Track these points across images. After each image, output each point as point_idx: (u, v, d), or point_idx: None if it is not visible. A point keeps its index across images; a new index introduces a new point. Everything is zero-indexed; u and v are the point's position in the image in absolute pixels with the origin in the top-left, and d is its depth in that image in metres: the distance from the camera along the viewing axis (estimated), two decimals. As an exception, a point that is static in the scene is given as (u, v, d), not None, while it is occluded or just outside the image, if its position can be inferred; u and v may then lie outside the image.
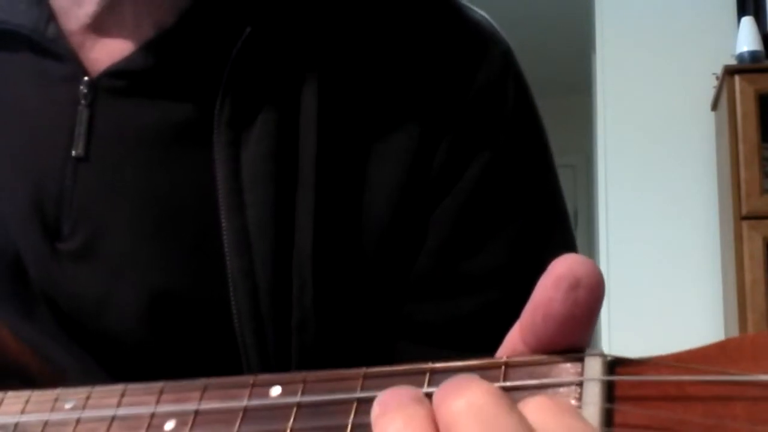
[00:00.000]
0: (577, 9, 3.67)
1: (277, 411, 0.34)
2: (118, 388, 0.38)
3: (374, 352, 0.57)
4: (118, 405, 0.38)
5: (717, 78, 2.78)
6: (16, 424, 0.39)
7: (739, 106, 2.60)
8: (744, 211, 2.55)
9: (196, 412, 0.36)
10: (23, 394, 0.41)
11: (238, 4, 0.59)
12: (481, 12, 0.65)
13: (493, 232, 0.59)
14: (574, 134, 4.34)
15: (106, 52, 0.59)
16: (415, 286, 0.58)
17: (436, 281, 0.58)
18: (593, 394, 0.29)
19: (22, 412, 0.40)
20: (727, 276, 2.67)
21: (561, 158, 0.64)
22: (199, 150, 0.56)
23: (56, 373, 0.54)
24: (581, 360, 0.30)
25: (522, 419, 0.27)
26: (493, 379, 0.31)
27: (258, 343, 0.54)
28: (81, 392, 0.39)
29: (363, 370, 0.34)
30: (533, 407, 0.28)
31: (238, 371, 0.54)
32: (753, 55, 2.74)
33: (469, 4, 0.65)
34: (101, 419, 0.38)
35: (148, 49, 0.58)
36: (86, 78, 0.58)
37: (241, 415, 0.35)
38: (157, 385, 0.37)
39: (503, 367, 0.31)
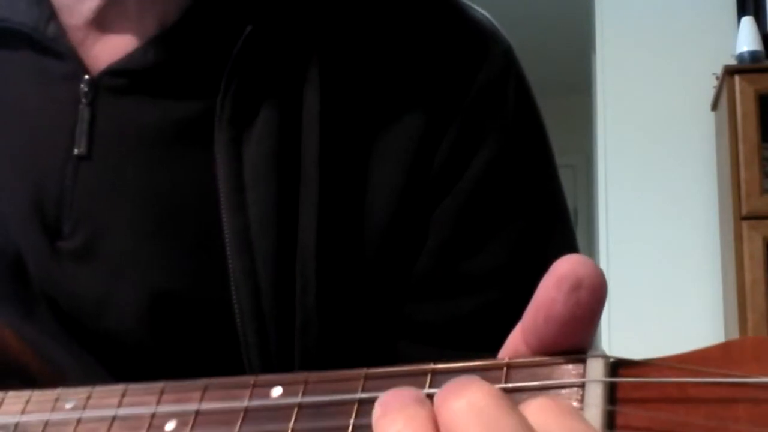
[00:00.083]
0: (577, 9, 3.67)
1: (278, 411, 0.34)
2: (119, 388, 0.38)
3: (376, 351, 0.57)
4: (119, 405, 0.38)
5: (717, 78, 2.78)
6: (17, 424, 0.39)
7: (739, 106, 2.60)
8: (744, 211, 2.55)
9: (197, 413, 0.36)
10: (24, 394, 0.41)
11: (240, 1, 0.59)
12: (482, 11, 0.65)
13: (494, 231, 0.59)
14: (574, 134, 4.34)
15: (108, 49, 0.59)
16: (416, 286, 0.58)
17: (436, 281, 0.58)
18: (595, 395, 0.29)
19: (23, 412, 0.40)
20: (727, 276, 2.67)
21: (561, 158, 0.64)
22: (201, 148, 0.56)
23: (57, 373, 0.53)
24: (583, 361, 0.30)
25: (523, 420, 0.27)
26: (494, 380, 0.31)
27: (260, 343, 0.54)
28: (81, 392, 0.39)
29: (364, 371, 0.34)
30: (535, 408, 0.28)
31: (239, 371, 0.54)
32: (753, 55, 2.74)
33: (470, 4, 0.65)
34: (102, 419, 0.37)
35: (149, 46, 0.58)
36: (87, 76, 0.58)
37: (242, 415, 0.35)
38: (158, 385, 0.37)
39: (505, 368, 0.31)
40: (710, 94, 2.88)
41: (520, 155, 0.61)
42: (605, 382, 0.30)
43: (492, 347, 0.34)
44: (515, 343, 0.32)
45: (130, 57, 0.58)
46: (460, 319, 0.58)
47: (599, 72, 3.11)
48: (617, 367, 0.30)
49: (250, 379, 0.36)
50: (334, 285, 0.56)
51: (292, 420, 0.33)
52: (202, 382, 0.37)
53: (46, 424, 0.39)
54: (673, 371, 0.29)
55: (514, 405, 0.28)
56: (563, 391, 0.30)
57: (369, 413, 0.30)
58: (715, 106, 2.88)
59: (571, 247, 0.62)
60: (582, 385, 0.30)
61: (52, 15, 0.60)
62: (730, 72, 2.65)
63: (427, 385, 0.32)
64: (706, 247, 2.83)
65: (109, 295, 0.56)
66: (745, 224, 2.54)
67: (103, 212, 0.57)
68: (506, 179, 0.60)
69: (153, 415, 0.36)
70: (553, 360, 0.31)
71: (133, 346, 0.55)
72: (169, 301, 0.55)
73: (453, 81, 0.60)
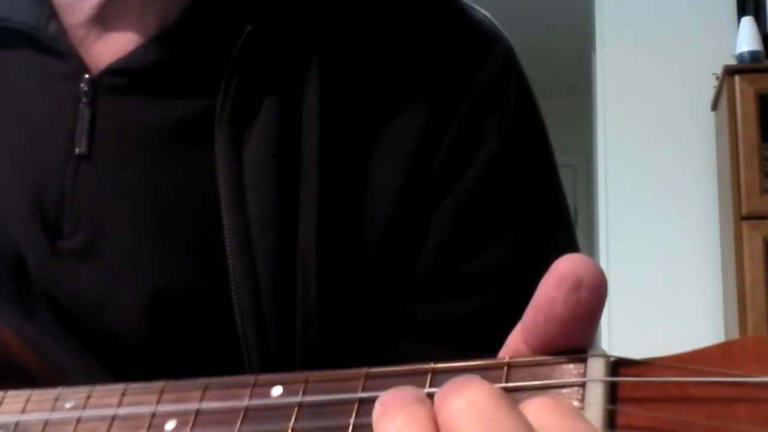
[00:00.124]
0: (577, 9, 3.67)
1: (279, 411, 0.34)
2: (119, 387, 0.38)
3: (376, 351, 0.57)
4: (119, 404, 0.37)
5: (717, 78, 2.78)
6: (17, 424, 0.39)
7: (739, 106, 2.60)
8: (744, 211, 2.55)
9: (197, 412, 0.36)
10: (24, 394, 0.41)
11: (241, 1, 0.59)
12: (482, 11, 0.65)
13: (495, 231, 0.59)
14: (574, 134, 4.34)
15: (108, 48, 0.59)
16: (416, 285, 0.58)
17: (436, 281, 0.58)
18: (596, 395, 0.29)
19: (23, 411, 0.40)
20: (727, 276, 2.67)
21: (561, 158, 0.64)
22: (201, 148, 0.56)
23: (57, 372, 0.53)
24: (584, 361, 0.30)
25: (523, 420, 0.27)
26: (495, 380, 0.30)
27: (260, 342, 0.54)
28: (81, 391, 0.39)
29: (364, 371, 0.34)
30: (535, 408, 0.28)
31: (239, 371, 0.54)
32: (753, 55, 2.74)
33: (471, 4, 0.65)
34: (102, 419, 0.37)
35: (150, 45, 0.58)
36: (87, 76, 0.58)
37: (242, 414, 0.35)
38: (158, 385, 0.37)
39: (505, 368, 0.31)
40: (710, 94, 2.88)
41: (521, 155, 0.61)
42: (606, 382, 0.29)
43: (492, 347, 0.34)
44: (515, 343, 0.32)
45: (131, 56, 0.58)
46: (460, 318, 0.58)
47: (599, 72, 3.11)
48: (618, 366, 0.30)
49: (251, 378, 0.35)
50: (335, 285, 0.56)
51: (293, 419, 0.33)
52: (202, 381, 0.36)
53: (46, 423, 0.39)
54: (673, 371, 0.29)
55: (515, 404, 0.28)
56: (564, 390, 0.30)
57: (369, 413, 0.30)
58: (715, 106, 2.88)
59: (572, 247, 0.62)
60: (582, 385, 0.30)
61: (53, 14, 0.60)
62: (730, 72, 2.65)
63: (428, 384, 0.32)
64: (706, 247, 2.83)
65: (110, 295, 0.56)
66: (745, 224, 2.54)
67: (103, 212, 0.57)
68: (507, 179, 0.60)
69: (153, 415, 0.36)
70: (554, 359, 0.31)
71: (134, 345, 0.55)
72: (169, 300, 0.55)
73: (453, 80, 0.60)
